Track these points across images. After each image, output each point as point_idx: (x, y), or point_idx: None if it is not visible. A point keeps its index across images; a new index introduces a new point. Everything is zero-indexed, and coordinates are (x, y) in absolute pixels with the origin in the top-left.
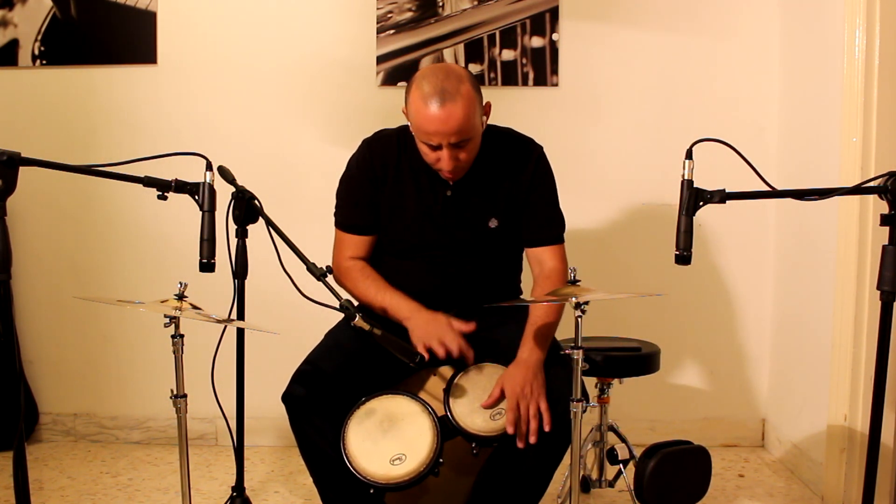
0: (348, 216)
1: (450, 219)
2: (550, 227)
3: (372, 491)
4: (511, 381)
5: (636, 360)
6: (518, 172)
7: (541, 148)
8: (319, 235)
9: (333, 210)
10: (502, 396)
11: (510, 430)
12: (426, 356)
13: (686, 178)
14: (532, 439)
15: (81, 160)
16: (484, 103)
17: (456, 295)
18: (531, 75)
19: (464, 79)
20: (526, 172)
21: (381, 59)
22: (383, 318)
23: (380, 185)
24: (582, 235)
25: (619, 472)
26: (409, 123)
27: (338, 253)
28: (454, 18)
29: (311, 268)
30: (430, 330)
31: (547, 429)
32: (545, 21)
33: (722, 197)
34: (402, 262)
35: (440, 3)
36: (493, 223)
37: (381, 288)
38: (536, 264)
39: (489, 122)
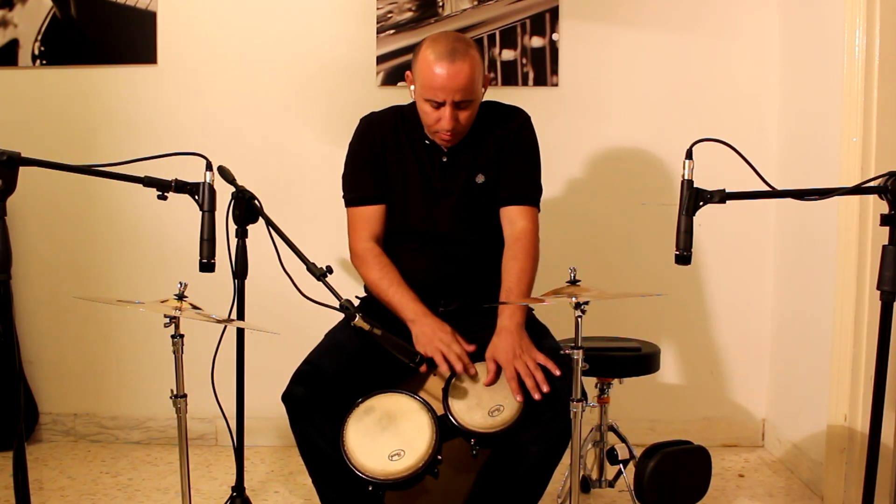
0: (356, 188)
1: (447, 183)
2: (525, 187)
3: (371, 488)
4: (499, 351)
5: (636, 360)
6: (505, 133)
7: (528, 115)
8: (319, 235)
9: (337, 206)
10: (499, 373)
11: (519, 398)
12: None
13: (686, 178)
14: (544, 388)
15: (81, 160)
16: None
17: (451, 266)
18: (531, 75)
19: (472, 45)
20: (511, 133)
21: (381, 59)
22: (383, 318)
23: (382, 154)
24: (582, 235)
25: (619, 472)
26: (412, 88)
27: (352, 236)
28: (454, 18)
29: (311, 268)
30: (435, 339)
31: (557, 373)
32: (545, 21)
33: (722, 197)
34: (403, 236)
35: (440, 3)
36: (479, 178)
37: (392, 282)
38: (508, 225)
39: None
